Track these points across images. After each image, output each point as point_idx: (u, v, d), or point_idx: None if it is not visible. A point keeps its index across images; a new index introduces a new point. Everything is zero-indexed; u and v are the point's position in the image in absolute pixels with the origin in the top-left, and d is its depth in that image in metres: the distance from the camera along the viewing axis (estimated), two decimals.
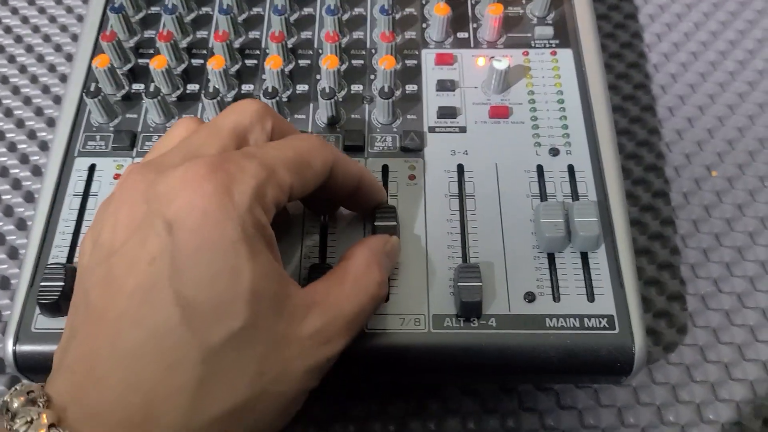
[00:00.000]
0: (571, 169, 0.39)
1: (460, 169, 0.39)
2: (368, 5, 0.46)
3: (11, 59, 0.52)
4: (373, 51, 0.44)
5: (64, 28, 0.54)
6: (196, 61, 0.43)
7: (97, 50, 0.43)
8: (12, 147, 0.48)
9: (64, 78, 0.51)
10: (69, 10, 0.55)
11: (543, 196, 0.38)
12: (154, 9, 0.46)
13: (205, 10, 0.46)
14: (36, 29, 0.54)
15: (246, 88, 0.42)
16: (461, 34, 0.44)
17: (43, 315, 0.35)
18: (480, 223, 0.37)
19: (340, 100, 0.41)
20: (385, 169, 0.39)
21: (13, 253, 0.44)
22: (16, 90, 0.51)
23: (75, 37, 0.53)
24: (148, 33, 0.45)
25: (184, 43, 0.44)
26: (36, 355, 0.34)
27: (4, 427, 0.25)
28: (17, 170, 0.47)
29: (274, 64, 0.40)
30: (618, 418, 0.39)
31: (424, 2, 0.46)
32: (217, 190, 0.27)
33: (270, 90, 0.39)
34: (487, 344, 0.34)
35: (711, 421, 0.38)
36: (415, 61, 0.43)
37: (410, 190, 0.38)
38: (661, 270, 0.43)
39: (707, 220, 0.45)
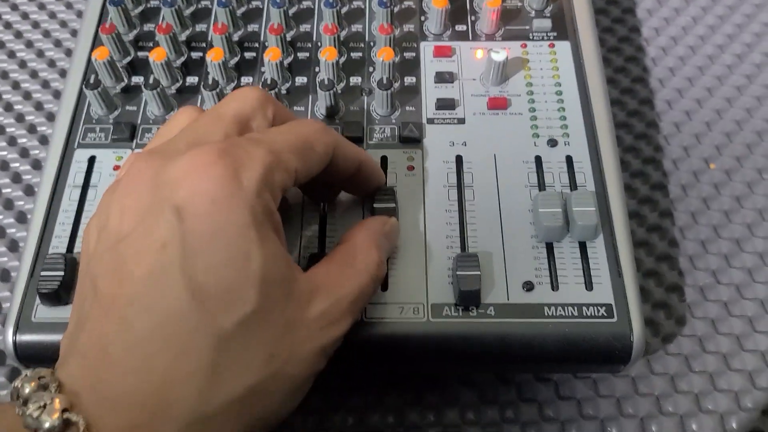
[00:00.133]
0: (569, 160, 0.39)
1: (459, 159, 0.39)
2: None
3: (11, 54, 0.52)
4: (372, 44, 0.44)
5: (63, 24, 0.54)
6: (195, 54, 0.43)
7: (96, 43, 0.43)
8: (12, 141, 0.48)
9: (63, 73, 0.51)
10: (69, 6, 0.55)
11: (541, 186, 0.38)
12: (154, 2, 0.46)
13: (204, 3, 0.46)
14: (36, 25, 0.54)
15: (245, 80, 0.42)
16: (459, 27, 0.44)
17: (43, 305, 0.35)
18: (478, 213, 0.37)
19: (339, 92, 0.42)
20: (383, 160, 0.39)
21: (14, 246, 0.44)
22: (16, 85, 0.51)
23: (75, 33, 0.53)
24: (148, 26, 0.45)
25: (183, 36, 0.44)
26: (36, 344, 0.34)
27: (16, 413, 0.25)
28: (17, 164, 0.47)
29: (273, 55, 0.40)
30: (617, 408, 0.39)
31: None
32: (226, 176, 0.27)
33: (269, 82, 0.39)
34: (486, 333, 0.34)
35: (709, 411, 0.39)
36: (413, 54, 0.43)
37: (409, 181, 0.38)
38: (659, 262, 0.43)
39: (705, 212, 0.45)
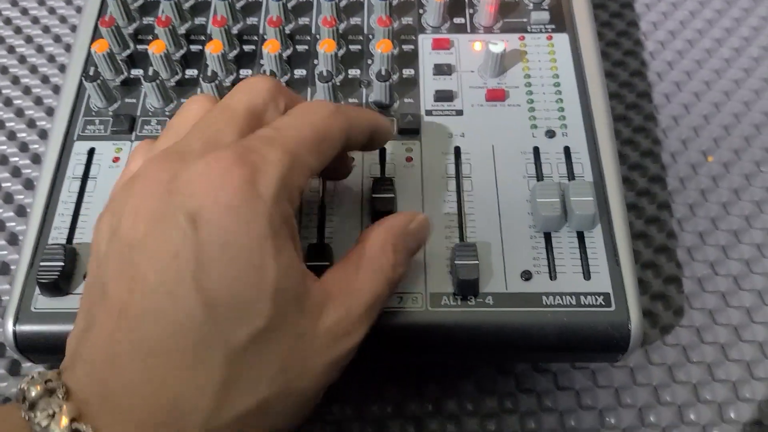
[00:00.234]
0: (567, 151, 0.39)
1: (457, 151, 0.39)
2: None
3: (11, 50, 0.52)
4: (371, 36, 0.44)
5: (63, 19, 0.54)
6: (194, 47, 0.43)
7: (96, 36, 0.44)
8: (12, 135, 0.48)
9: (63, 68, 0.51)
10: (68, 2, 0.55)
11: (539, 177, 0.38)
12: None
13: None
14: (35, 20, 0.54)
15: (244, 72, 0.42)
16: (458, 20, 0.44)
17: (42, 295, 0.35)
18: (477, 203, 0.37)
19: (338, 84, 0.42)
20: (382, 152, 0.39)
21: (13, 239, 0.44)
22: (15, 80, 0.51)
23: (74, 28, 0.53)
24: (147, 19, 0.45)
25: (182, 29, 0.44)
26: (36, 334, 0.35)
27: (22, 416, 0.25)
28: (17, 158, 0.47)
29: (272, 48, 0.40)
30: (615, 398, 0.39)
31: None
32: (242, 184, 0.26)
33: (268, 74, 0.40)
34: (485, 322, 0.34)
35: (708, 401, 0.39)
36: (412, 46, 0.43)
37: (408, 172, 0.38)
38: (657, 253, 0.43)
39: (703, 205, 0.45)
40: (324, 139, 0.30)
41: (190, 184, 0.26)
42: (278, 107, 0.31)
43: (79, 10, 0.54)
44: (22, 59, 0.52)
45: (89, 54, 0.43)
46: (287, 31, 0.44)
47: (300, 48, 0.43)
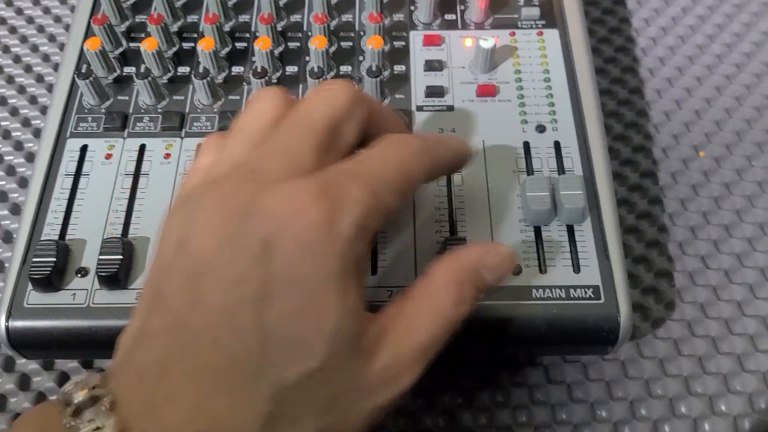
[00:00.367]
0: (557, 146, 0.39)
1: None
2: None
3: (6, 49, 0.53)
4: (362, 33, 0.44)
5: (58, 19, 0.54)
6: (186, 45, 0.44)
7: (89, 34, 0.44)
8: (6, 134, 0.48)
9: (57, 67, 0.51)
10: (63, 1, 0.55)
11: (530, 171, 0.38)
12: None
13: None
14: (30, 20, 0.54)
15: (236, 69, 0.42)
16: (449, 16, 0.45)
17: (35, 291, 0.35)
18: (467, 198, 0.37)
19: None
20: None
21: (7, 237, 0.44)
22: (10, 79, 0.51)
23: (68, 28, 0.53)
24: (140, 17, 0.45)
25: (174, 27, 0.44)
26: (28, 330, 0.35)
27: (63, 423, 0.25)
28: (11, 157, 0.47)
29: (263, 44, 0.41)
30: (606, 391, 0.39)
31: None
32: (321, 222, 0.25)
33: (260, 70, 0.40)
34: (475, 315, 0.34)
35: (699, 394, 0.39)
36: (403, 43, 0.44)
37: None
38: (648, 248, 0.43)
39: (695, 199, 0.45)
40: (407, 180, 0.29)
41: (268, 210, 0.25)
42: (358, 120, 0.29)
43: (73, 9, 0.54)
44: (17, 58, 0.52)
45: (82, 52, 0.43)
46: (279, 28, 0.44)
47: (292, 45, 0.44)
